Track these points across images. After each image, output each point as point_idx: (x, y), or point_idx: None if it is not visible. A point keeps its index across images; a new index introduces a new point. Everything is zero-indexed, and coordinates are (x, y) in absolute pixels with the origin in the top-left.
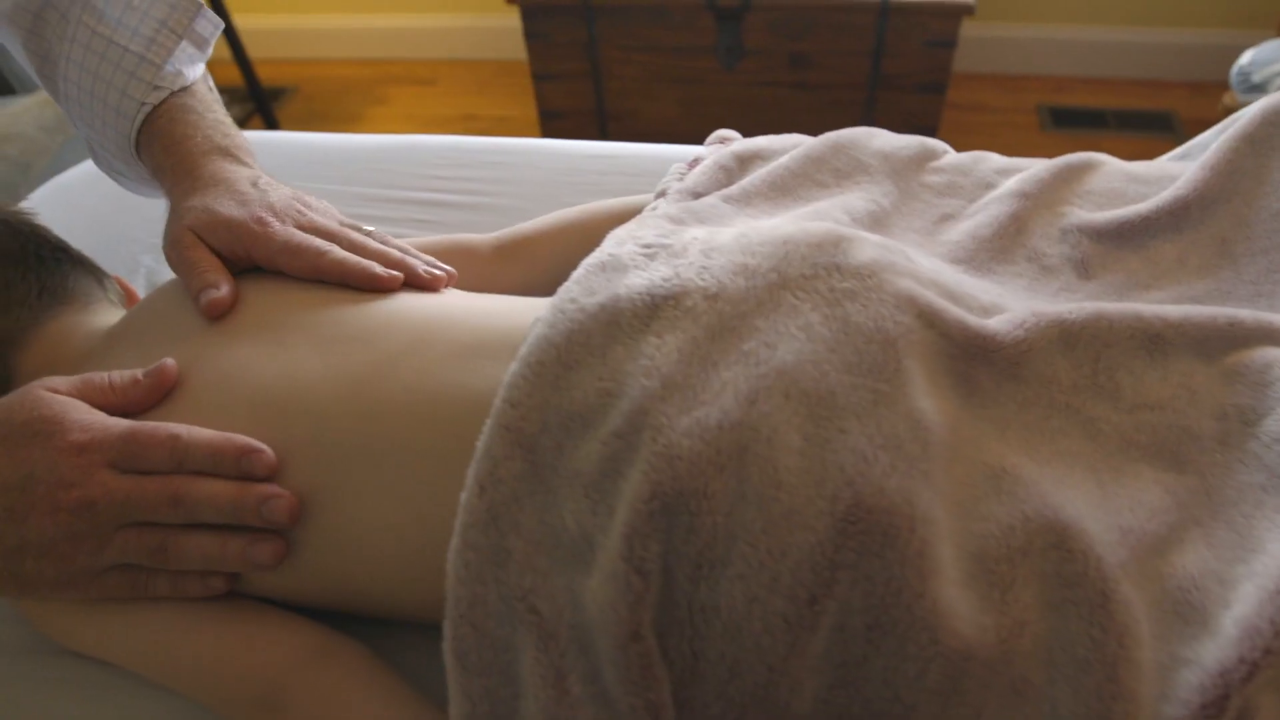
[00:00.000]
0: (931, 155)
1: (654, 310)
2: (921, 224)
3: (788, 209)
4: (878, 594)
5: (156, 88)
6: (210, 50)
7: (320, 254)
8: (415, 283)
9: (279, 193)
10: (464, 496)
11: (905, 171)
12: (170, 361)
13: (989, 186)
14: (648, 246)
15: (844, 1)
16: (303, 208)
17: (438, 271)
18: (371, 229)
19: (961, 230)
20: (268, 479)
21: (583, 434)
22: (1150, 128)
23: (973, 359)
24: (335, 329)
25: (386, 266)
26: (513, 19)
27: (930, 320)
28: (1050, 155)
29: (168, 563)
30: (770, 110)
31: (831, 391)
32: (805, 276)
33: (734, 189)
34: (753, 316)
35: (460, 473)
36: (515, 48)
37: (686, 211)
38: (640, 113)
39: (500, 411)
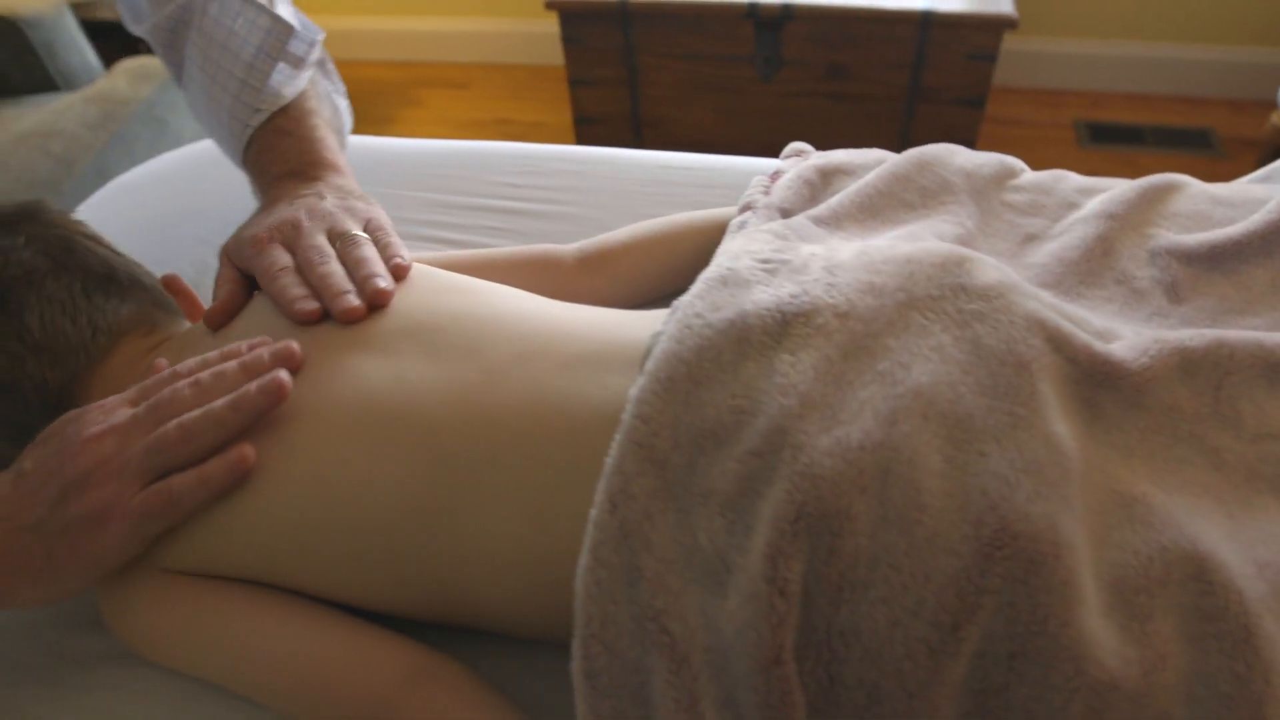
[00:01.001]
0: (1011, 173)
1: (785, 327)
2: (1005, 246)
3: (876, 231)
4: (1022, 621)
5: (257, 110)
6: (309, 66)
7: (271, 279)
8: (332, 313)
9: (292, 208)
10: (594, 513)
11: (986, 190)
12: (161, 361)
13: (1072, 206)
14: (766, 262)
15: (885, 13)
16: (303, 219)
17: (354, 303)
18: (358, 234)
19: (1047, 252)
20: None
21: (716, 451)
22: (1189, 145)
23: (1099, 385)
24: (442, 336)
25: (322, 293)
26: (547, 24)
27: (1059, 344)
28: (1088, 171)
29: (184, 439)
30: (806, 121)
31: (969, 414)
32: (932, 297)
33: (823, 210)
34: (884, 336)
35: (581, 484)
36: (549, 52)
37: (788, 228)
38: (675, 120)
39: (631, 427)
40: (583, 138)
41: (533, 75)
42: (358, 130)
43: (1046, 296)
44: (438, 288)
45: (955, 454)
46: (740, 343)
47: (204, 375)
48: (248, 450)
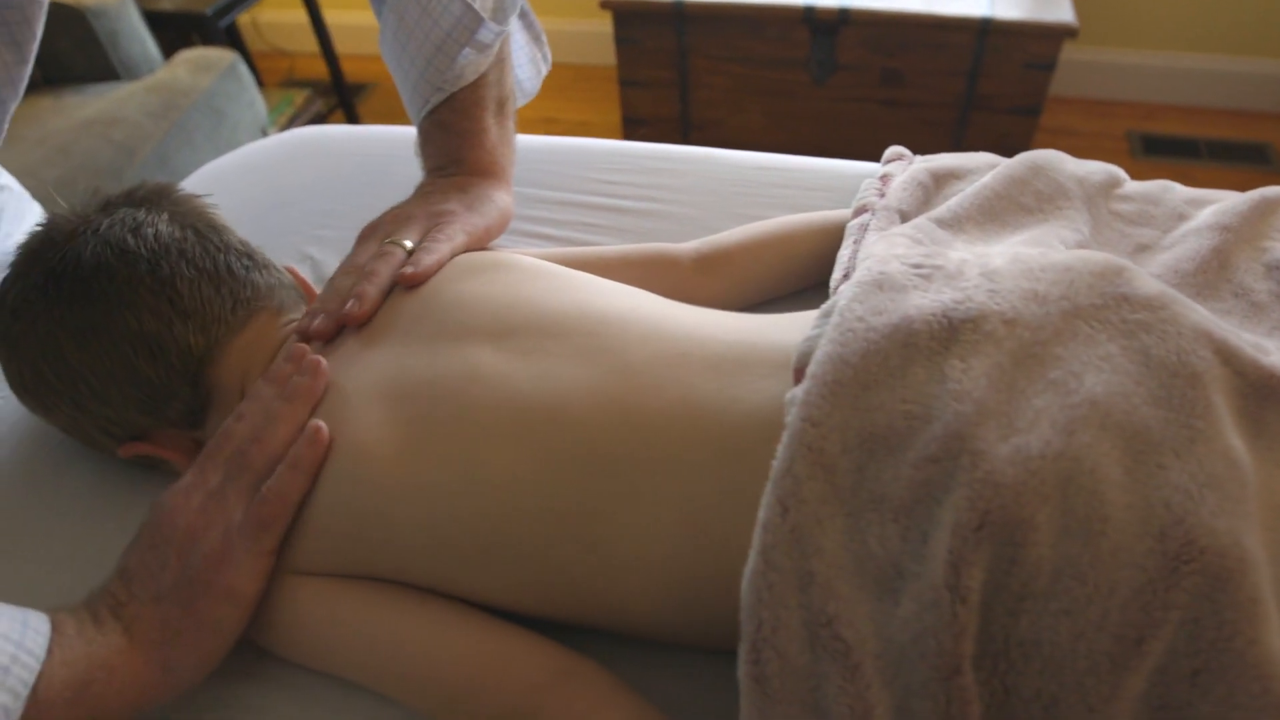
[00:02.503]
0: (1116, 182)
1: (952, 333)
2: (1118, 255)
3: (997, 235)
4: (1206, 638)
5: (439, 89)
6: (492, 52)
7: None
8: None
9: (389, 211)
10: (763, 515)
11: (1096, 198)
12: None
13: (1182, 218)
14: (919, 267)
15: (943, 20)
16: (382, 224)
17: (319, 323)
18: (394, 245)
19: (1160, 263)
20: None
21: (887, 456)
22: (1245, 159)
23: (1265, 399)
24: (584, 339)
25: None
26: (595, 23)
27: (1227, 357)
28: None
29: (257, 444)
30: (858, 126)
31: (1146, 425)
32: (1096, 306)
33: (944, 212)
34: (1052, 344)
35: (736, 489)
36: (595, 52)
37: (918, 230)
38: (725, 123)
39: (800, 430)
40: (630, 139)
41: (578, 75)
42: (404, 124)
43: (1203, 309)
44: (571, 287)
45: (1134, 466)
46: (906, 347)
47: (242, 406)
48: (317, 423)
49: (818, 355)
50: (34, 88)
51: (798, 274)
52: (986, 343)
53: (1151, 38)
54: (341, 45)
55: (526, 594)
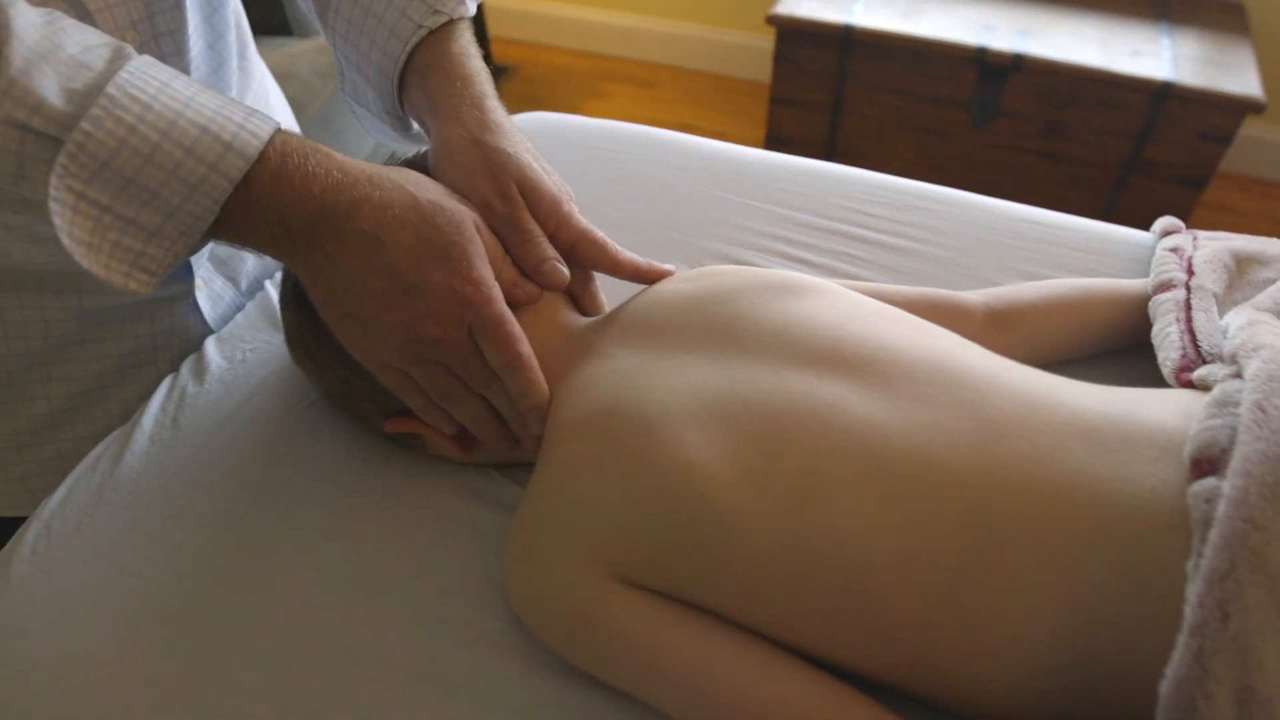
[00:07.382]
0: None
1: None
2: None
3: None
4: None
5: (436, 11)
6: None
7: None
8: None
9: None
10: (1196, 618)
11: None
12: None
13: None
14: None
15: (1122, 78)
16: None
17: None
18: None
19: None
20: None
21: None
22: None
23: None
24: (951, 392)
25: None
26: (746, 36)
27: None
28: None
29: (445, 404)
30: (1009, 175)
31: None
32: None
33: (1272, 304)
34: None
35: (1131, 577)
36: (740, 65)
37: (1275, 319)
38: (872, 154)
39: (1242, 532)
40: None
41: (718, 85)
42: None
43: None
44: (915, 328)
45: None
46: None
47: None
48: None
49: (1247, 453)
50: None
51: (1088, 343)
52: None
53: None
54: (494, 27)
55: (860, 651)
